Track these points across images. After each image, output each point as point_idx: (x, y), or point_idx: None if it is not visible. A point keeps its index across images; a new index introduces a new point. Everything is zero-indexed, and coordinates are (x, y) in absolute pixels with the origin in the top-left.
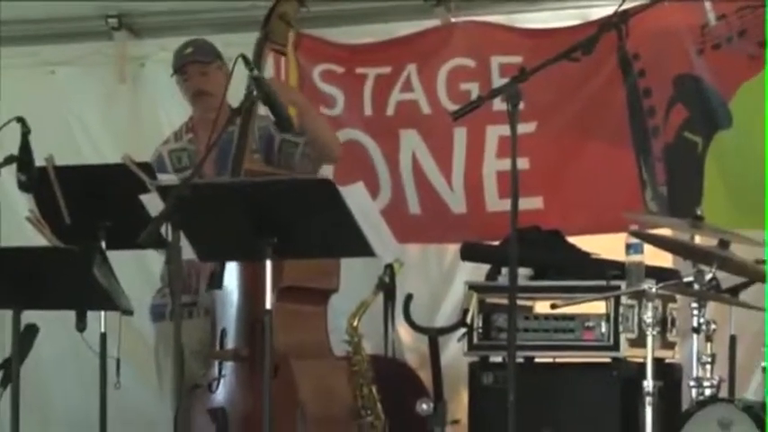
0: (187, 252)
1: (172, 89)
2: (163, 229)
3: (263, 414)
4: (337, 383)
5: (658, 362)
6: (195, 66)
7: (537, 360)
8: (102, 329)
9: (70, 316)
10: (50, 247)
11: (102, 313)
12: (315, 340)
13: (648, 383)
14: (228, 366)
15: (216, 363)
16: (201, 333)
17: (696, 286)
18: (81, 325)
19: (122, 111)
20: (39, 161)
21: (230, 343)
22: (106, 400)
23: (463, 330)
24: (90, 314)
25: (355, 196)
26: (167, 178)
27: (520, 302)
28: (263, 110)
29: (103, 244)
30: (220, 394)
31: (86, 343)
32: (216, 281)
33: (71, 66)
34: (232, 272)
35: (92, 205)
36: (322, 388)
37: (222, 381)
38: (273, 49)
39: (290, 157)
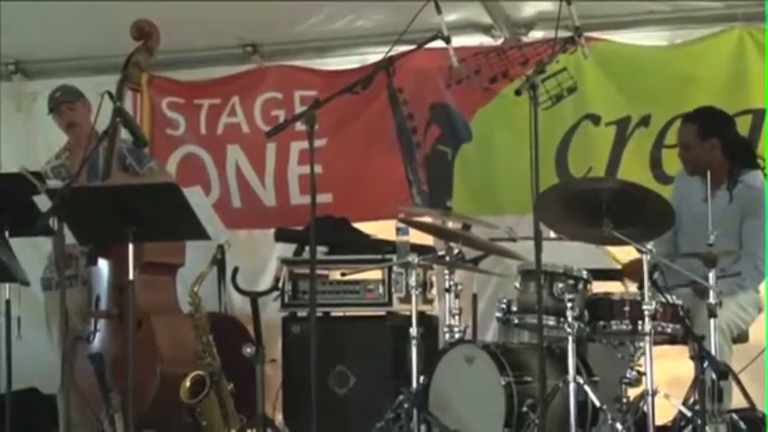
0: (69, 238)
1: None
2: (50, 221)
3: (128, 356)
4: (185, 334)
5: (421, 314)
6: (65, 105)
7: (332, 314)
8: (7, 296)
9: None
10: None
11: (7, 284)
12: (168, 301)
13: (414, 330)
14: (102, 323)
15: (92, 320)
16: (81, 298)
17: (447, 258)
18: None
19: (19, 132)
20: None
21: (102, 305)
22: (11, 348)
23: (277, 293)
24: None
25: (193, 196)
26: (55, 184)
27: (318, 272)
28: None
29: (6, 233)
30: (96, 343)
31: None
32: (91, 259)
33: None
34: (103, 252)
35: None
36: (174, 337)
37: (98, 334)
38: (131, 87)
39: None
